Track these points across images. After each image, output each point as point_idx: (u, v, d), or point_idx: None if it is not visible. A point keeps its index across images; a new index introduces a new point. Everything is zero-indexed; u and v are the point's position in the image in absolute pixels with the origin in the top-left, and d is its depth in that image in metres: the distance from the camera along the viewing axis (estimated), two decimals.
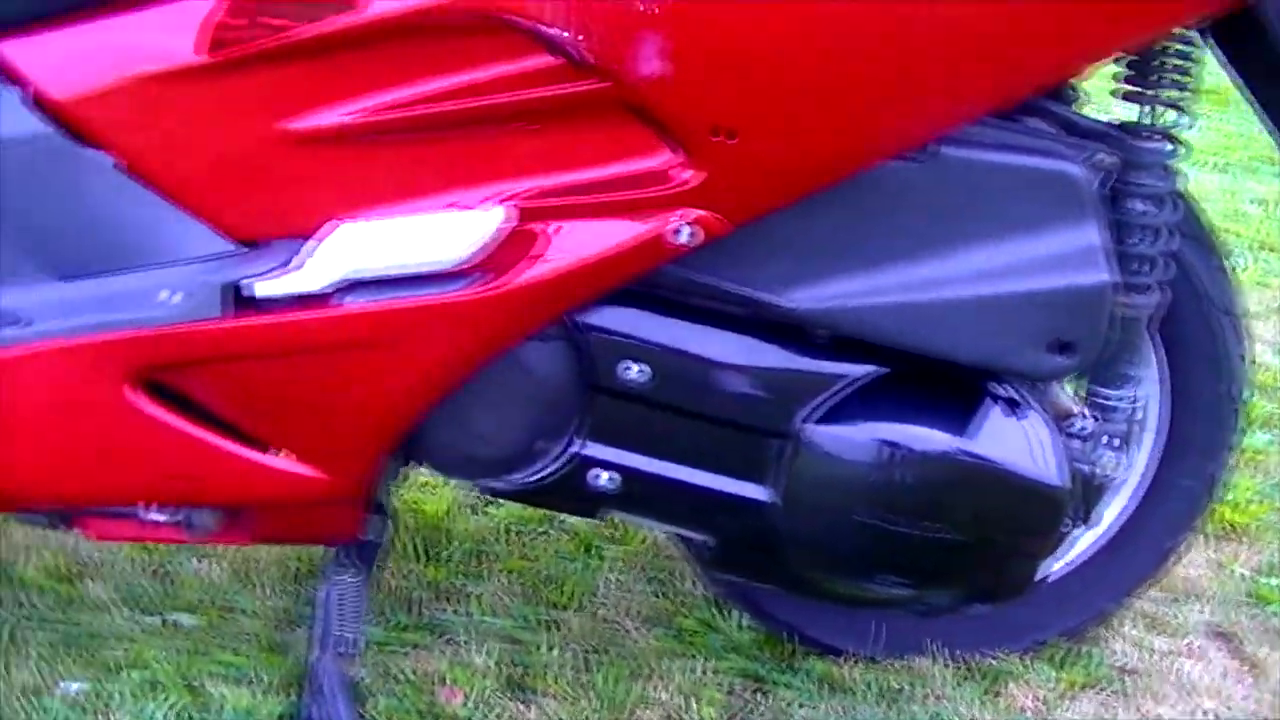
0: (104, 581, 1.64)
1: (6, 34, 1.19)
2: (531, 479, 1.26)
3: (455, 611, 1.61)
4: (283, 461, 1.20)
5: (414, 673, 1.50)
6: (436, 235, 1.12)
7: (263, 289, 1.14)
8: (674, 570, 1.69)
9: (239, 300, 1.15)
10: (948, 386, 1.24)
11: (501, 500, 1.62)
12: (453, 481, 1.58)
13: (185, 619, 1.58)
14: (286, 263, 1.14)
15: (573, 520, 1.77)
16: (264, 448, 1.21)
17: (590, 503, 1.28)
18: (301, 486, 1.20)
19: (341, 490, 1.21)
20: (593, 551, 1.73)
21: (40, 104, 1.18)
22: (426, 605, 1.62)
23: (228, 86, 1.14)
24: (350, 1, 1.11)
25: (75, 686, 1.46)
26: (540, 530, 1.77)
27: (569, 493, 1.26)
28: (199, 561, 1.68)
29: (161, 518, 1.23)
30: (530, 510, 1.76)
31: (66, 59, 1.18)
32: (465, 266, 1.12)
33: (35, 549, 1.69)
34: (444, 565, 1.69)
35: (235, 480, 1.22)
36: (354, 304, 1.14)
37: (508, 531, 1.76)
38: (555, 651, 1.55)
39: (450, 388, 1.17)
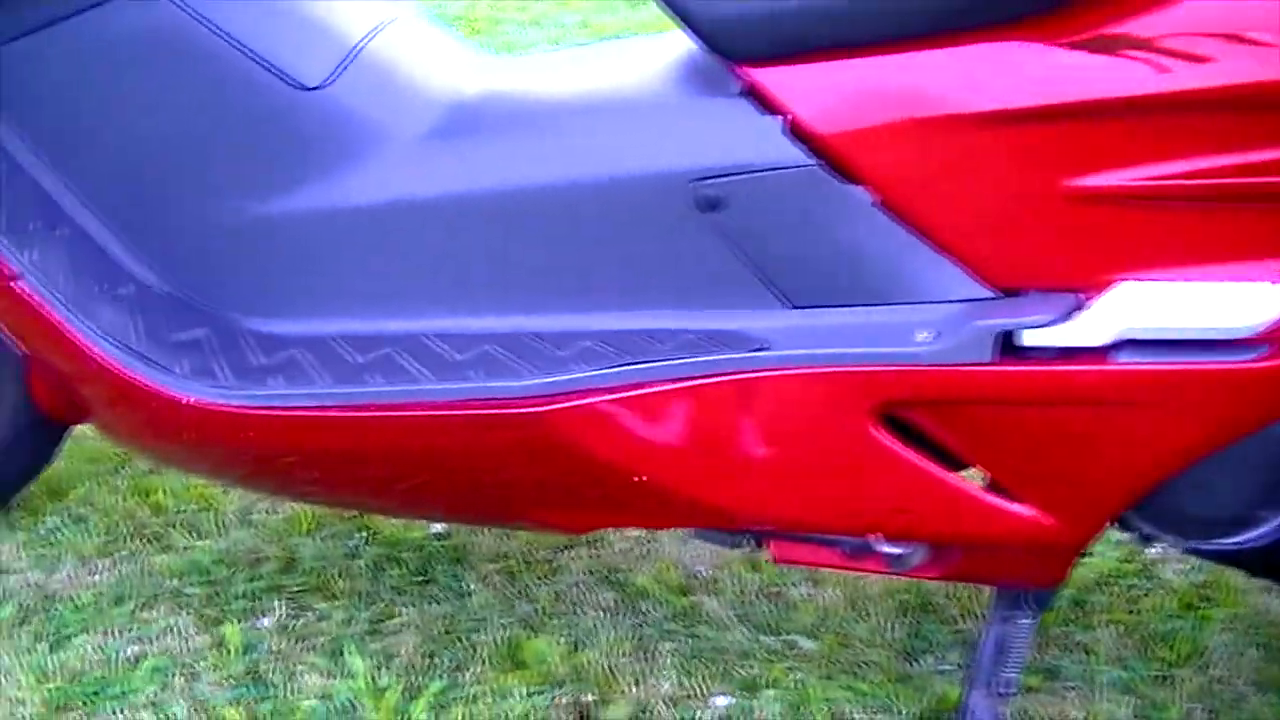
0: (718, 597, 1.70)
1: (768, 63, 1.23)
2: (1249, 542, 1.24)
3: (1071, 659, 1.60)
4: (1019, 505, 1.21)
5: (1048, 717, 1.49)
6: (1229, 303, 1.11)
7: (1033, 338, 1.15)
8: None
9: (1006, 347, 1.16)
10: None
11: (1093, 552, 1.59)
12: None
13: (805, 642, 1.62)
14: (1060, 315, 1.15)
15: (1169, 576, 1.73)
16: (1002, 490, 1.22)
17: None
18: (1031, 531, 1.21)
19: (1070, 538, 1.22)
20: (1196, 610, 1.69)
21: (798, 134, 1.22)
22: (1039, 650, 1.61)
23: (1009, 137, 1.15)
24: (1160, 67, 1.11)
25: (723, 701, 1.51)
26: (1137, 583, 1.74)
27: None
28: (811, 586, 1.72)
29: (893, 550, 1.26)
30: (1126, 564, 1.73)
31: (831, 93, 1.21)
32: (1256, 337, 1.10)
33: (649, 559, 1.76)
34: (1049, 612, 1.67)
35: (962, 518, 1.23)
36: (1129, 362, 1.14)
37: (1106, 582, 1.74)
38: (1176, 709, 1.52)
39: (1212, 452, 1.16)
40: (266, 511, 1.84)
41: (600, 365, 1.26)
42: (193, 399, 1.35)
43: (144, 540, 1.79)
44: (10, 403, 1.65)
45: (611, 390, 1.25)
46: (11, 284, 1.35)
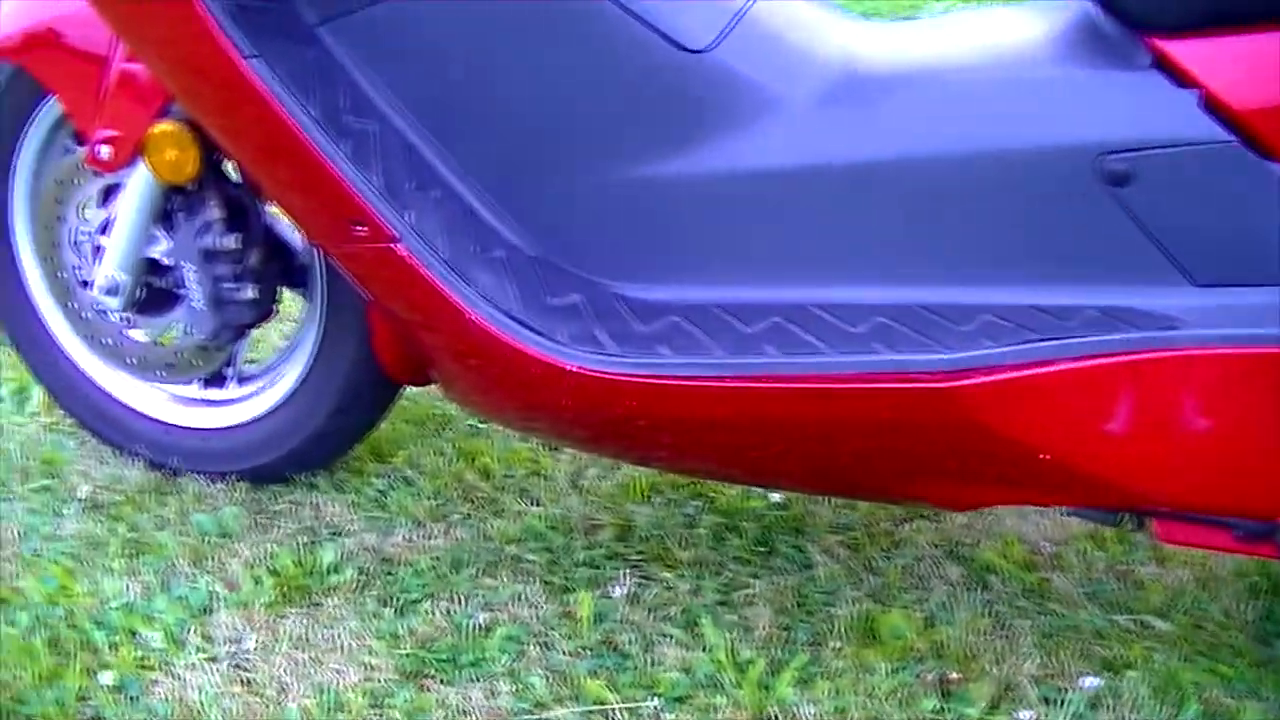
0: (1066, 574, 1.64)
1: (1181, 34, 1.17)
2: None
3: None
4: None
5: None
6: None
7: None
8: None
9: None
10: None
11: None
12: None
13: (1158, 623, 1.55)
14: None
15: None
16: None
17: None
18: None
19: None
20: None
21: (1213, 109, 1.17)
22: None
23: None
24: None
25: (1090, 682, 1.46)
26: None
27: None
28: (1158, 565, 1.65)
29: None
30: None
31: (1250, 66, 1.16)
32: None
33: (991, 534, 1.71)
34: None
35: None
36: None
37: None
38: None
39: None
40: (597, 477, 1.80)
41: (1009, 341, 1.23)
42: (576, 366, 1.32)
43: (475, 504, 1.77)
44: (349, 361, 1.65)
45: (1020, 367, 1.21)
46: (393, 246, 1.32)
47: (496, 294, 1.35)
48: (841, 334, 1.29)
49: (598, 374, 1.32)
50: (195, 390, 1.80)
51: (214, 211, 1.56)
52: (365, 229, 1.34)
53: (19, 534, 1.75)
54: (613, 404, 1.34)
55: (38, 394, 2.03)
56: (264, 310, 1.65)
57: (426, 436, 1.92)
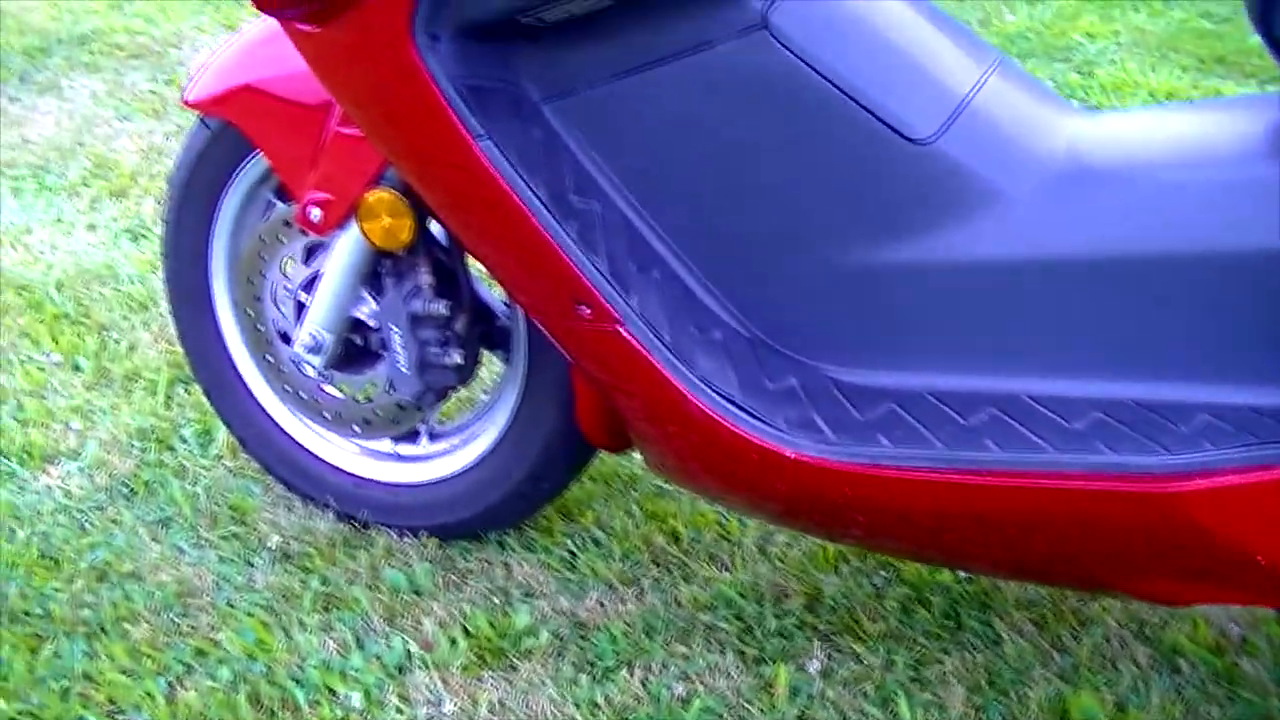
0: (1256, 660, 1.62)
1: None
2: None
3: None
4: None
5: None
6: None
7: None
8: None
9: None
10: None
11: None
12: None
13: None
14: None
15: None
16: None
17: None
18: None
19: None
20: None
21: None
22: None
23: None
24: None
25: None
26: None
27: None
28: None
29: None
30: None
31: None
32: None
33: (1179, 615, 1.69)
34: None
35: None
36: None
37: None
38: None
39: None
40: (785, 544, 1.79)
41: (1230, 444, 1.23)
42: (795, 453, 1.31)
43: (664, 568, 1.77)
44: (548, 425, 1.65)
45: (1243, 471, 1.21)
46: (617, 328, 1.31)
47: (718, 378, 1.34)
48: (1061, 430, 1.29)
49: (818, 462, 1.32)
50: (387, 445, 1.82)
51: (424, 277, 1.57)
52: (590, 310, 1.34)
53: (213, 583, 1.78)
54: (829, 490, 1.34)
55: (221, 436, 2.06)
56: (467, 374, 1.65)
57: (613, 496, 1.92)
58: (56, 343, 2.44)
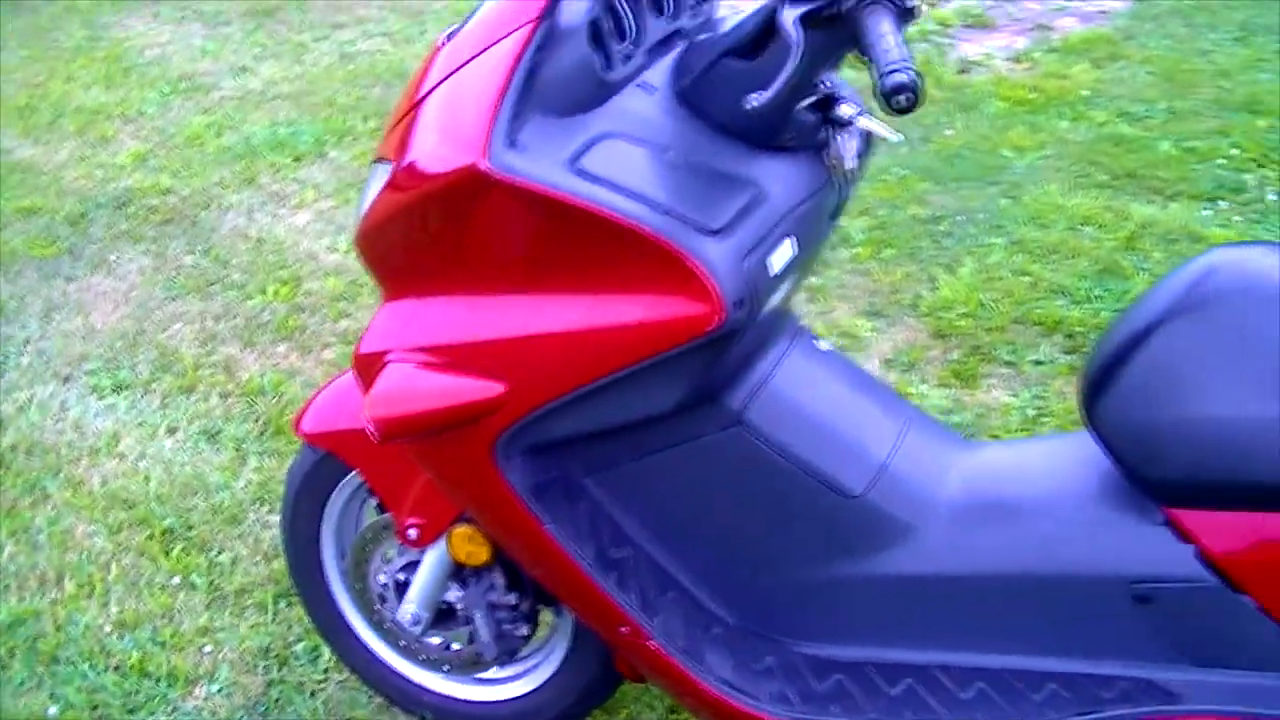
0: None
1: (1191, 508, 1.69)
2: None
3: None
4: None
5: None
6: None
7: None
8: None
9: None
10: None
11: None
12: None
13: None
14: None
15: None
16: None
17: None
18: None
19: None
20: None
21: (1205, 560, 1.67)
22: None
23: None
24: None
25: None
26: None
27: None
28: None
29: None
30: None
31: (1232, 531, 1.66)
32: None
33: None
34: None
35: None
36: None
37: None
38: None
39: None
40: None
41: (1065, 711, 1.75)
42: None
43: None
44: (592, 666, 2.20)
45: None
46: (648, 643, 1.87)
47: (719, 666, 1.90)
48: (955, 700, 1.81)
49: None
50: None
51: (499, 579, 2.13)
52: (627, 629, 1.89)
53: None
54: None
55: (327, 652, 2.60)
56: (531, 634, 2.21)
57: (640, 694, 2.47)
58: (169, 557, 2.96)
